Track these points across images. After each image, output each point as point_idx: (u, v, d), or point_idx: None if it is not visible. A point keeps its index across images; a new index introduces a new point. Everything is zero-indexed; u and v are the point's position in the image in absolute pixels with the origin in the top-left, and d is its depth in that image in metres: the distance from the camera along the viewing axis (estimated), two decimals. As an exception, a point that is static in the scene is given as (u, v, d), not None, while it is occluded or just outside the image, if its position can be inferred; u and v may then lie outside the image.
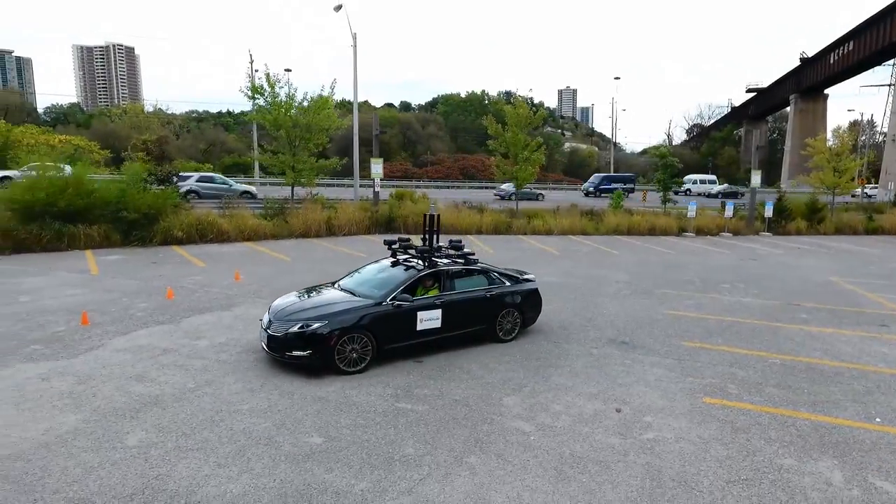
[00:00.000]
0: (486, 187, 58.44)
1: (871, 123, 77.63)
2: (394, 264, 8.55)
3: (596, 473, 5.02)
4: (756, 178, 28.39)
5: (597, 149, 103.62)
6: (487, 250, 18.71)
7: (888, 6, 50.51)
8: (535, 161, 25.81)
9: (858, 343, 9.17)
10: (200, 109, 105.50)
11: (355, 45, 27.66)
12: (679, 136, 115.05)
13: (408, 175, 67.98)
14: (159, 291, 11.17)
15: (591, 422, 6.04)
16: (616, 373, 7.53)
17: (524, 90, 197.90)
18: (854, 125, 69.28)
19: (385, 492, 4.64)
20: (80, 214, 16.19)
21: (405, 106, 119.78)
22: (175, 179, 20.19)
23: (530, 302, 9.12)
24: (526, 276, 9.51)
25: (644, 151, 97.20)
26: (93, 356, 7.50)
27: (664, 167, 30.00)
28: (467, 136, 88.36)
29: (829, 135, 44.17)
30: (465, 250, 8.97)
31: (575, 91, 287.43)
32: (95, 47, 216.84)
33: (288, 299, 8.06)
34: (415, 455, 5.24)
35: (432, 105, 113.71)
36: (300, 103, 21.98)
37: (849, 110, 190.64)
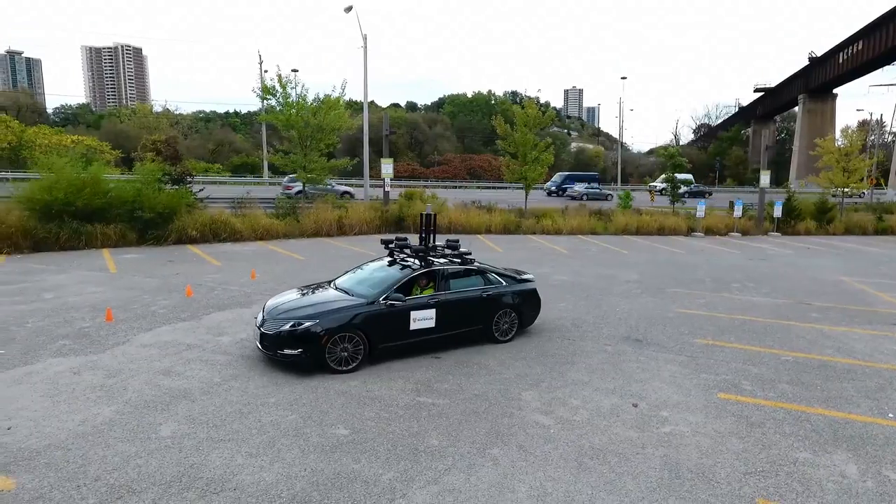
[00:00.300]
0: (494, 187, 58.58)
1: (881, 123, 77.21)
2: (391, 264, 8.53)
3: (616, 465, 5.16)
4: (765, 179, 28.41)
5: (603, 149, 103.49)
6: (497, 250, 18.87)
7: (898, 5, 50.31)
8: (544, 161, 25.95)
9: (870, 341, 9.26)
10: (207, 109, 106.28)
11: (365, 47, 27.88)
12: (686, 136, 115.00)
13: (415, 175, 68.25)
14: (178, 289, 11.39)
15: (609, 416, 6.19)
16: (631, 369, 7.66)
17: (531, 90, 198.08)
18: (863, 125, 69.01)
19: (412, 481, 4.81)
20: (96, 214, 16.49)
21: (411, 106, 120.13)
22: (188, 179, 20.41)
23: (528, 302, 9.01)
24: (524, 277, 9.39)
25: (651, 151, 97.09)
26: (120, 351, 7.71)
27: (673, 167, 30.03)
28: (474, 137, 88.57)
29: (837, 134, 44.01)
30: (462, 250, 8.88)
31: (581, 91, 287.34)
32: (104, 48, 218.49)
33: (282, 298, 8.11)
34: (439, 446, 5.40)
35: (439, 105, 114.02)
36: (312, 104, 22.20)
37: (858, 110, 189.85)
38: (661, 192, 46.86)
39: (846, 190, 30.77)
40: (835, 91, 75.46)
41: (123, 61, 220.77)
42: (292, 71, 24.41)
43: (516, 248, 19.35)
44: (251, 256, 16.06)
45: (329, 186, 29.45)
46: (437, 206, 24.62)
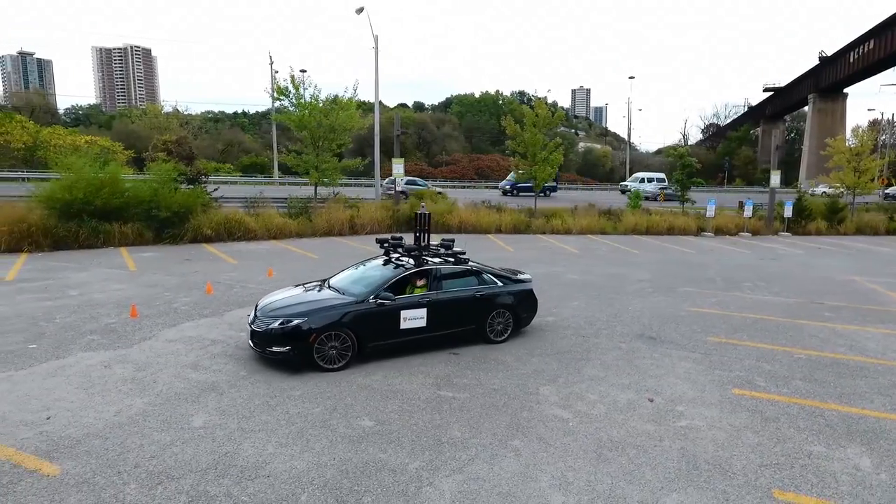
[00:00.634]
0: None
1: (892, 123, 76.47)
2: (385, 263, 8.53)
3: (634, 456, 5.31)
4: (776, 178, 28.36)
5: (611, 149, 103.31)
6: (508, 249, 19.02)
7: (910, 4, 49.92)
8: (553, 161, 26.05)
9: (882, 340, 9.34)
10: (216, 110, 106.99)
11: (377, 48, 28.10)
12: (695, 136, 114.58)
13: (423, 175, 68.32)
14: (198, 286, 11.63)
15: (626, 410, 6.34)
16: (646, 366, 7.80)
17: (538, 90, 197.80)
18: (874, 124, 68.50)
19: (437, 470, 4.98)
20: (114, 213, 16.79)
21: (419, 106, 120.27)
22: (203, 179, 20.71)
23: (524, 303, 8.92)
24: (520, 277, 9.31)
25: (659, 151, 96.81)
26: (147, 346, 7.93)
27: (682, 167, 30.05)
28: (482, 137, 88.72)
29: (848, 134, 43.81)
30: (456, 249, 8.84)
31: (588, 91, 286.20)
32: (114, 49, 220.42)
33: (275, 296, 8.21)
34: (461, 438, 5.57)
35: (446, 105, 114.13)
36: (324, 104, 22.44)
37: (869, 109, 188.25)
38: (623, 192, 47.70)
39: (857, 190, 30.66)
40: (845, 90, 75.01)
41: (133, 62, 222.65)
42: (301, 71, 24.66)
43: (526, 248, 19.48)
44: (266, 255, 16.30)
45: (425, 186, 33.00)
46: (448, 206, 24.80)
